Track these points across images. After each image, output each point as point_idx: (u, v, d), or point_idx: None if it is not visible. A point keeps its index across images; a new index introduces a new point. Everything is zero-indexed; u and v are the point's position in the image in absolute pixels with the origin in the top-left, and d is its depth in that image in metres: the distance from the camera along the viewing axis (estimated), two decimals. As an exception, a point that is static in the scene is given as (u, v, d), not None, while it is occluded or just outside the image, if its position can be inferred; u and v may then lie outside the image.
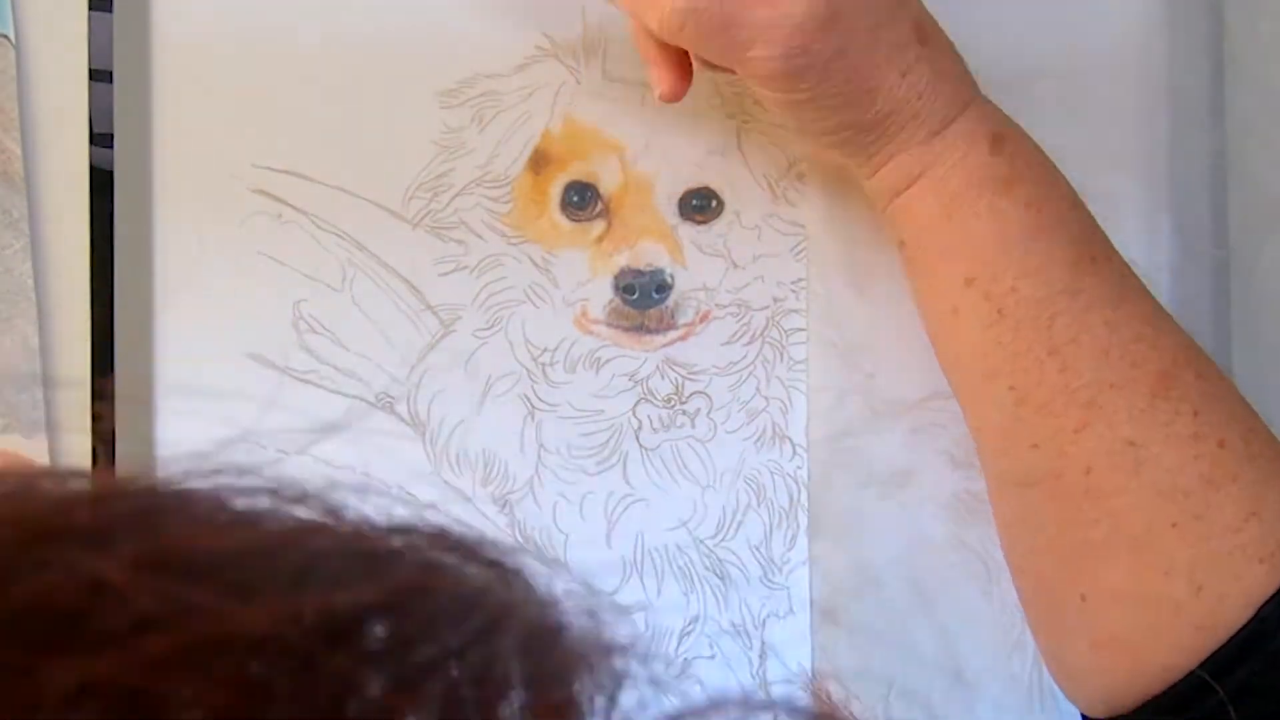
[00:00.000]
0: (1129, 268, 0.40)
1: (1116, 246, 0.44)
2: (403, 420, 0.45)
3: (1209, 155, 0.48)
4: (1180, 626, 0.37)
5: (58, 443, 0.43)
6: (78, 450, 0.43)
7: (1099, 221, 0.41)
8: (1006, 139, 0.39)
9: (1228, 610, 0.36)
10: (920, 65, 0.38)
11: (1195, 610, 0.37)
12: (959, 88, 0.39)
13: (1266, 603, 0.36)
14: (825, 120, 0.39)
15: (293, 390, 0.44)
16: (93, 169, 0.44)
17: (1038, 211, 0.39)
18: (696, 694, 0.16)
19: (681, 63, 0.40)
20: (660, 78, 0.40)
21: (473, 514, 0.45)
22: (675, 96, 0.40)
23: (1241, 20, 0.47)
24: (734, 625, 0.46)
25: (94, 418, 0.43)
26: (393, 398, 0.45)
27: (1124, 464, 0.37)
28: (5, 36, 0.43)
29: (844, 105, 0.38)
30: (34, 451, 0.43)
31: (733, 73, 0.39)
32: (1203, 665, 0.36)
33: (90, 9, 0.44)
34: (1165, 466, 0.37)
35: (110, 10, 0.44)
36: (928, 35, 0.39)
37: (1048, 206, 0.39)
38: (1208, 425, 0.37)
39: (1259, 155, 0.47)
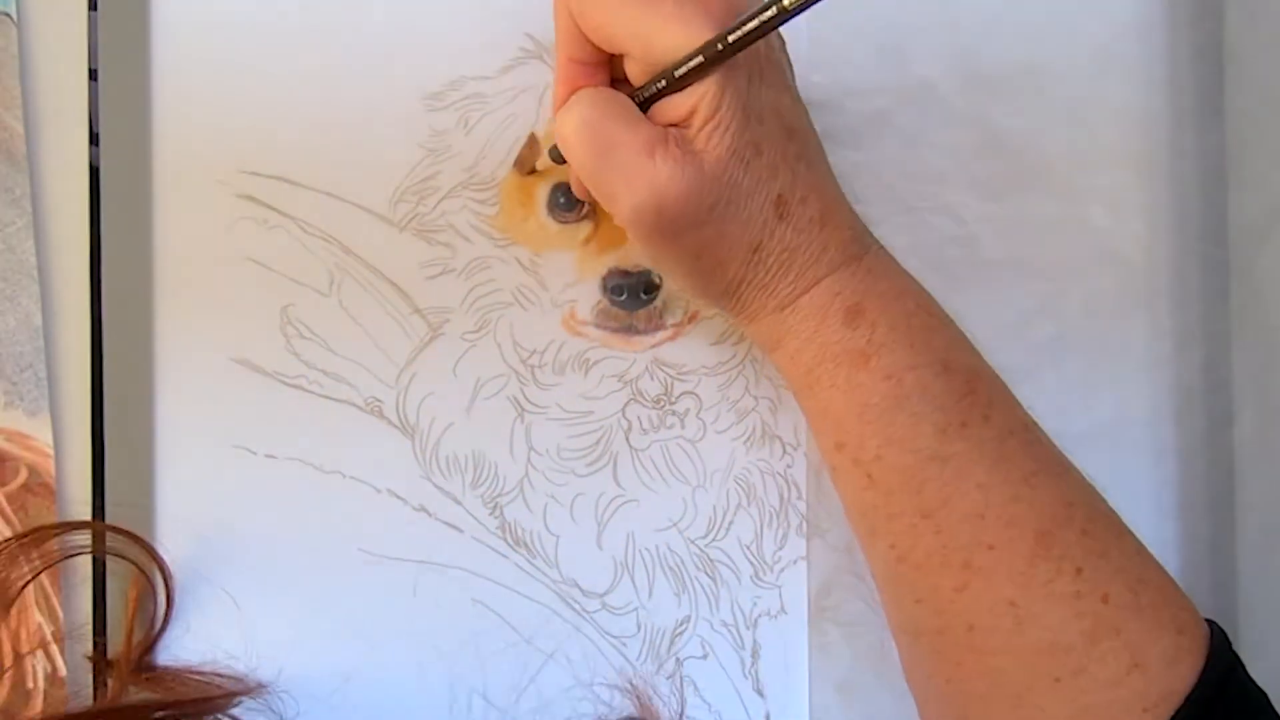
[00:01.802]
0: (1017, 419, 0.39)
1: (1115, 249, 0.43)
2: (392, 423, 0.45)
3: (1209, 155, 0.48)
4: None
5: (60, 421, 0.44)
6: (78, 430, 0.44)
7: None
8: (865, 309, 0.39)
9: None
10: (772, 242, 0.38)
11: None
12: (815, 261, 0.39)
13: None
14: (677, 279, 0.40)
15: (281, 395, 0.45)
16: (92, 145, 0.44)
17: (898, 383, 0.38)
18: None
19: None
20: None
21: (463, 517, 0.45)
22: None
23: (1241, 20, 0.46)
24: (725, 625, 0.46)
25: (93, 406, 0.44)
26: (381, 401, 0.45)
27: (1004, 623, 0.37)
28: (7, 15, 0.43)
29: (692, 271, 0.39)
30: (36, 429, 0.43)
31: None
32: None
33: (90, 9, 0.44)
34: (1046, 624, 0.37)
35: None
36: (788, 210, 0.38)
37: (910, 375, 0.38)
38: (1090, 582, 0.37)
39: (1259, 155, 0.46)
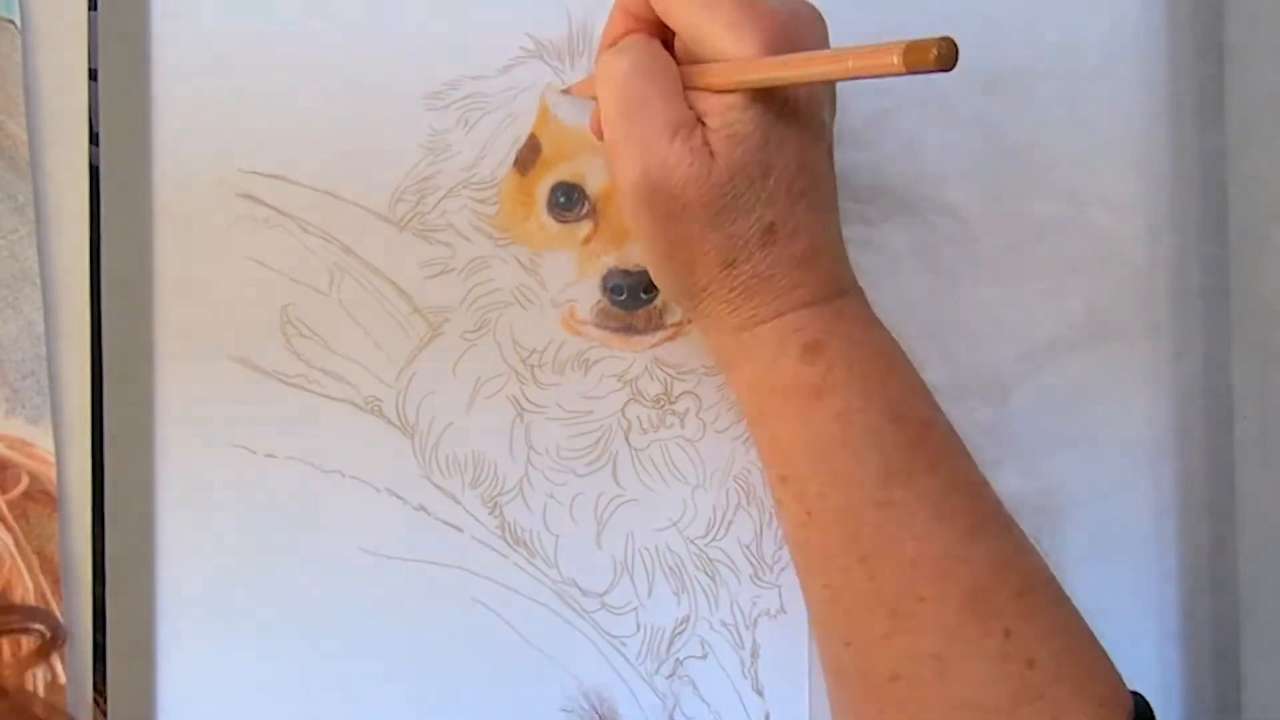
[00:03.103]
0: (964, 474, 0.39)
1: (1116, 249, 0.43)
2: (391, 423, 0.45)
3: (1209, 155, 0.48)
4: None
5: (62, 429, 0.44)
6: (80, 438, 0.44)
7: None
8: (825, 347, 0.39)
9: None
10: (748, 264, 0.38)
11: None
12: (785, 294, 0.39)
13: None
14: (650, 263, 0.41)
15: (281, 394, 0.45)
16: (92, 154, 0.44)
17: (847, 424, 0.38)
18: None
19: None
20: (593, 116, 0.43)
21: (462, 516, 0.45)
22: (597, 135, 0.43)
23: (1241, 20, 0.46)
24: (725, 625, 0.46)
25: (93, 412, 0.44)
26: (381, 400, 0.45)
27: (927, 675, 0.37)
28: (10, 21, 0.43)
29: (665, 258, 0.39)
30: (38, 437, 0.43)
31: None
32: None
33: (90, 9, 0.44)
34: (969, 682, 0.37)
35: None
36: (775, 240, 0.38)
37: (860, 419, 0.38)
38: (1017, 644, 0.37)
39: (1259, 155, 0.46)
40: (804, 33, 0.37)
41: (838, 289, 0.40)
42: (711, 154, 0.37)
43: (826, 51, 0.36)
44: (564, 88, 0.45)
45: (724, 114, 0.37)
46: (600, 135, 0.42)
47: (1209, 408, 0.48)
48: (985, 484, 0.40)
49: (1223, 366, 0.48)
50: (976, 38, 0.47)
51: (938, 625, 0.37)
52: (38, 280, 0.43)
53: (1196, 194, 0.48)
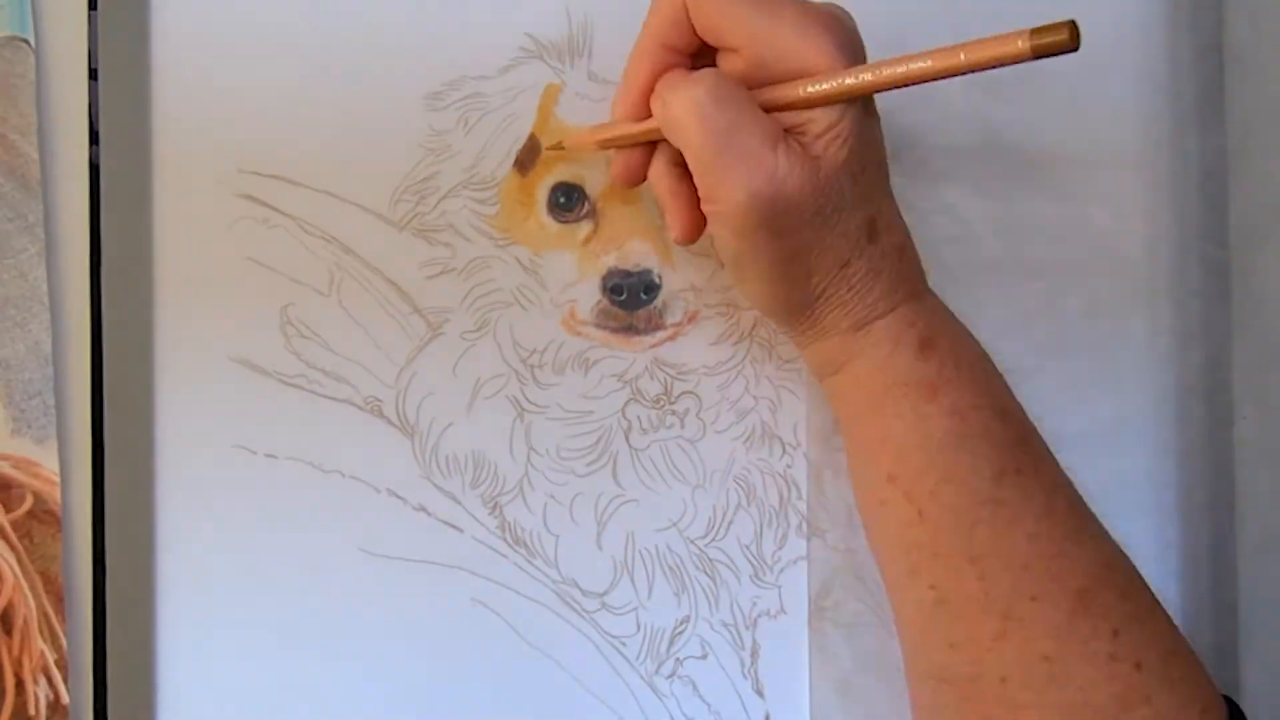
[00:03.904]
0: (1061, 475, 0.40)
1: (1116, 249, 0.43)
2: (391, 423, 0.45)
3: (1209, 155, 0.48)
4: None
5: (68, 449, 0.44)
6: (85, 459, 0.44)
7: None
8: (937, 343, 0.39)
9: None
10: (859, 260, 0.39)
11: None
12: (894, 288, 0.39)
13: None
14: (760, 283, 0.40)
15: (281, 394, 0.45)
16: (93, 167, 0.44)
17: (962, 420, 0.38)
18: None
19: (693, 208, 0.41)
20: (674, 222, 0.42)
21: (462, 516, 0.45)
22: (686, 240, 0.42)
23: (1241, 20, 0.46)
24: (725, 625, 0.46)
25: (94, 412, 0.44)
26: (381, 401, 0.45)
27: (1037, 678, 0.37)
28: (25, 40, 0.43)
29: (781, 275, 0.39)
30: (43, 457, 0.43)
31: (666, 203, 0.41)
32: None
33: (90, 9, 0.44)
34: (1079, 684, 0.37)
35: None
36: (878, 234, 0.39)
37: (974, 415, 0.38)
38: (1126, 646, 0.37)
39: (1259, 155, 0.46)
40: (855, 31, 0.38)
41: (925, 284, 0.40)
42: (815, 157, 0.37)
43: (940, 49, 0.36)
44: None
45: (825, 118, 0.37)
46: (628, 183, 0.42)
47: (1209, 408, 0.48)
48: (1075, 486, 0.40)
49: (1223, 366, 0.48)
50: (975, 37, 0.47)
51: (1049, 625, 0.37)
52: (46, 300, 0.43)
53: (1196, 194, 0.48)
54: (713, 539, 0.46)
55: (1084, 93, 0.48)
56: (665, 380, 0.46)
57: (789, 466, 0.47)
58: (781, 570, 0.47)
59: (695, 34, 0.39)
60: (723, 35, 0.38)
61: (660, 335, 0.46)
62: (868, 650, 0.46)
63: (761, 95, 0.38)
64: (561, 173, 0.45)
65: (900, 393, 0.39)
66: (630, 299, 0.46)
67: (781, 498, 0.47)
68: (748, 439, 0.47)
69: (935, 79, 0.36)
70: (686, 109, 0.37)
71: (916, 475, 0.39)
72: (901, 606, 0.41)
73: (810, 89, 0.37)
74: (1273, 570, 0.47)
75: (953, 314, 0.41)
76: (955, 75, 0.36)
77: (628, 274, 0.46)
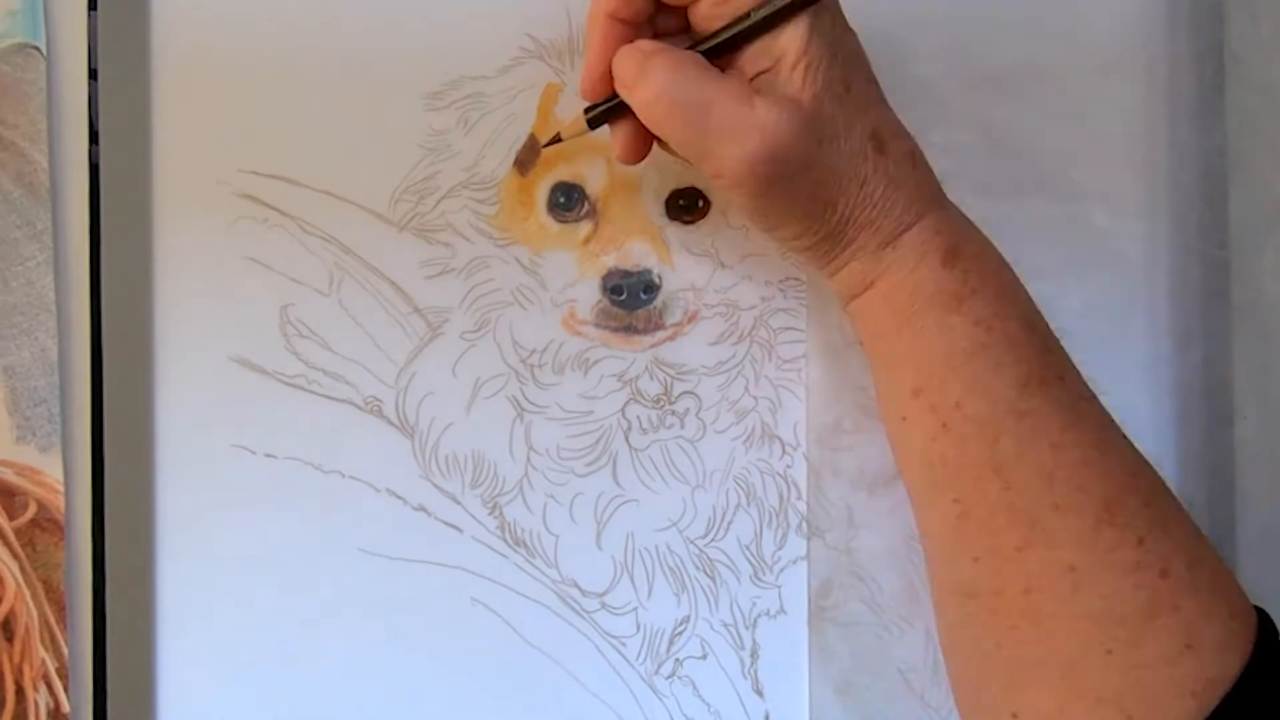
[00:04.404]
0: (1085, 387, 0.40)
1: (1115, 249, 0.43)
2: (391, 423, 0.45)
3: (1209, 155, 0.48)
4: None
5: (72, 457, 0.44)
6: (88, 468, 0.44)
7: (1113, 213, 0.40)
8: (962, 253, 0.39)
9: None
10: (876, 175, 0.38)
11: None
12: (916, 197, 0.39)
13: None
14: (786, 226, 0.40)
15: (281, 394, 0.45)
16: (93, 167, 0.44)
17: (987, 330, 0.38)
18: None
19: (640, 135, 0.40)
20: (617, 143, 0.41)
21: (462, 516, 0.45)
22: (631, 160, 0.41)
23: (1241, 20, 0.46)
24: (725, 625, 0.46)
25: (94, 412, 0.44)
26: (381, 400, 0.45)
27: (1062, 588, 0.37)
28: (36, 48, 0.43)
29: (804, 214, 0.39)
30: (47, 465, 0.43)
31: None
32: None
33: (90, 9, 0.44)
34: (1104, 593, 0.37)
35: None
36: (885, 144, 0.38)
37: (999, 325, 0.38)
38: (1152, 554, 0.37)
39: (1259, 155, 0.46)
40: None
41: (942, 191, 0.40)
42: (792, 97, 0.37)
43: None
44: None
45: (786, 50, 0.36)
46: (630, 159, 0.41)
47: (1209, 408, 0.48)
48: (1099, 398, 0.40)
49: (1223, 366, 0.48)
50: (977, 37, 0.47)
51: (1073, 535, 0.37)
52: (53, 308, 0.43)
53: (1196, 194, 0.48)
54: (713, 539, 0.46)
55: (1084, 93, 0.48)
56: (665, 380, 0.46)
57: (789, 466, 0.47)
58: (781, 570, 0.47)
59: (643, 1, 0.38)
60: None
61: (660, 335, 0.46)
62: (868, 650, 0.46)
63: (716, 42, 0.37)
64: (561, 172, 0.45)
65: (925, 305, 0.39)
66: (630, 299, 0.46)
67: (781, 498, 0.47)
68: (747, 439, 0.47)
69: None
70: (655, 105, 0.37)
71: (941, 388, 0.38)
72: (926, 523, 0.41)
73: (758, 13, 0.36)
74: (1272, 570, 0.47)
75: (974, 223, 0.40)
76: None
77: (628, 274, 0.46)
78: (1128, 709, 0.36)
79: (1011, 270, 0.40)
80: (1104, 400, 0.48)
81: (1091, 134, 0.48)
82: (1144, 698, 0.36)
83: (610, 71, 0.39)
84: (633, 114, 0.39)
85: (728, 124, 0.36)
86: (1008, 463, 0.38)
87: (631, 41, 0.39)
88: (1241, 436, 0.48)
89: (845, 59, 0.38)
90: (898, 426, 0.40)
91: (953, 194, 0.47)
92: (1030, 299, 0.40)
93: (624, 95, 0.39)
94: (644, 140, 0.40)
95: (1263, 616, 0.38)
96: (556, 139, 0.43)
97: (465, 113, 0.45)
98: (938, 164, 0.45)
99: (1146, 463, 0.39)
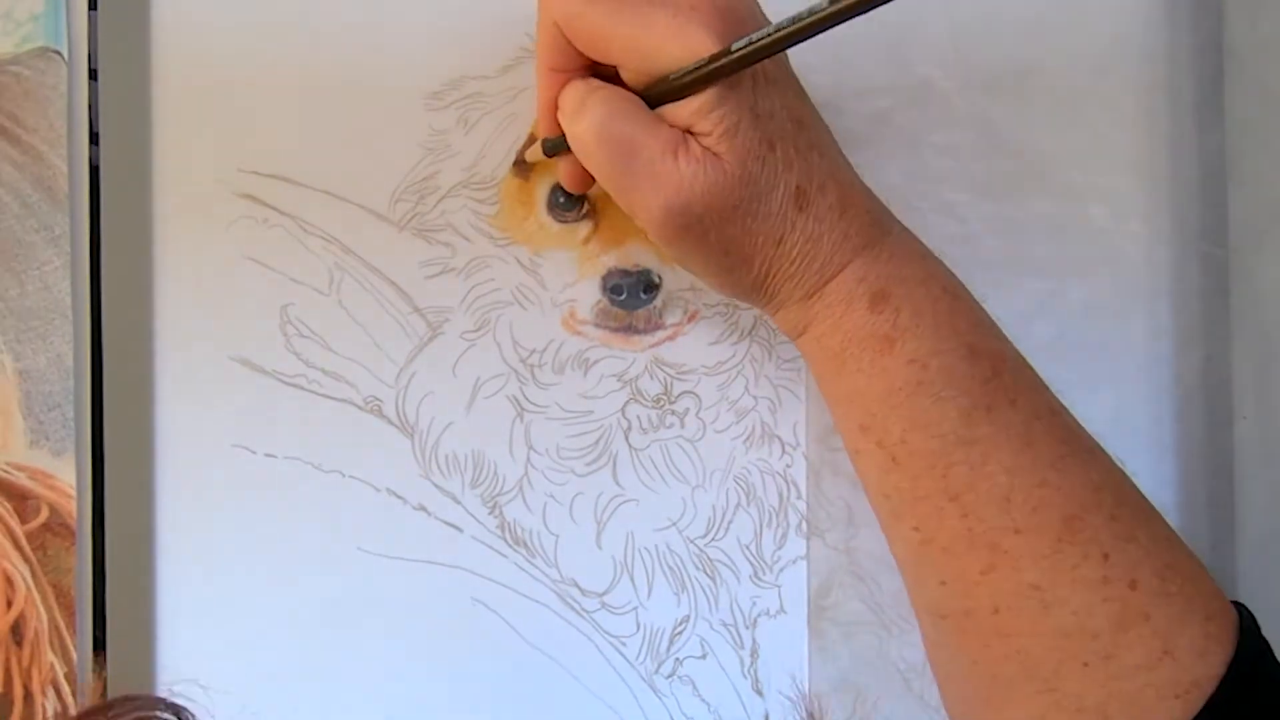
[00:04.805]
0: (1043, 404, 0.39)
1: (1115, 249, 0.43)
2: (391, 423, 0.45)
3: (1209, 155, 0.48)
4: None
5: (85, 462, 0.44)
6: (80, 474, 0.44)
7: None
8: (890, 294, 0.39)
9: None
10: (793, 234, 0.38)
11: None
12: (840, 247, 0.39)
13: None
14: (707, 277, 0.40)
15: (281, 394, 0.45)
16: (93, 167, 0.44)
17: (923, 367, 0.38)
18: None
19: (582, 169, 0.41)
20: (563, 173, 0.43)
21: (462, 516, 0.45)
22: (577, 189, 0.44)
23: (1241, 20, 0.46)
24: (725, 624, 0.46)
25: (93, 404, 0.44)
26: (381, 400, 0.45)
27: (1030, 607, 0.37)
28: (57, 52, 0.43)
29: (720, 269, 0.39)
30: (60, 470, 0.43)
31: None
32: None
33: (90, 9, 0.44)
34: (1073, 609, 0.37)
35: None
36: (808, 200, 0.38)
37: (934, 361, 0.38)
38: (1118, 567, 0.37)
39: (1259, 155, 0.46)
40: (740, 6, 0.37)
41: (882, 229, 0.40)
42: (715, 155, 0.37)
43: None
44: (518, 159, 0.45)
45: (708, 114, 0.37)
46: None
47: (1209, 408, 0.48)
48: (1064, 409, 0.40)
49: (1223, 366, 0.48)
50: (977, 37, 0.47)
51: (1035, 556, 0.37)
52: (69, 313, 0.43)
53: (1196, 194, 0.48)
54: (712, 539, 0.46)
55: (1084, 93, 0.48)
56: (665, 380, 0.46)
57: (789, 466, 0.47)
58: (781, 570, 0.47)
59: (579, 53, 0.38)
60: (606, 53, 0.38)
61: (660, 335, 0.46)
62: (868, 650, 0.47)
63: (653, 98, 0.38)
64: (562, 173, 0.45)
65: (858, 349, 0.39)
66: (630, 298, 0.46)
67: (781, 497, 0.47)
68: (747, 439, 0.47)
69: (794, 40, 0.35)
70: (585, 137, 0.37)
71: (884, 425, 0.39)
72: (893, 549, 0.41)
73: (675, 79, 0.36)
74: (1272, 569, 0.47)
75: (917, 251, 0.40)
76: (812, 32, 0.35)
77: (627, 273, 0.46)
78: (1110, 717, 0.36)
79: (957, 297, 0.40)
80: (1103, 400, 0.48)
81: (1091, 134, 0.48)
82: (1126, 705, 0.36)
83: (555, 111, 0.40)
84: None
85: (651, 172, 0.37)
86: (962, 491, 0.38)
87: None
88: (1241, 436, 0.48)
89: (771, 115, 0.37)
90: (854, 459, 0.41)
91: (953, 194, 0.47)
92: (979, 323, 0.40)
93: (564, 125, 0.39)
94: (586, 172, 0.41)
95: (1243, 613, 0.38)
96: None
97: (465, 113, 0.45)
98: (938, 164, 0.45)
99: (1115, 472, 0.39)
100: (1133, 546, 0.37)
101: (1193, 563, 0.38)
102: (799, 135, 0.38)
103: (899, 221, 0.40)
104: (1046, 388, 0.40)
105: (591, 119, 0.37)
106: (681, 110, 0.37)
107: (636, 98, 0.38)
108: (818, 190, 0.38)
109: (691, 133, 0.37)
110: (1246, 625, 0.38)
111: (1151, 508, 0.39)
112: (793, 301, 0.40)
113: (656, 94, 0.37)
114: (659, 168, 0.37)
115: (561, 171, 0.43)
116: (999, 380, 0.38)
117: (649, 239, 0.41)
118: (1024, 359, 0.40)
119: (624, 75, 0.38)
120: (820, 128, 0.39)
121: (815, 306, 0.39)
